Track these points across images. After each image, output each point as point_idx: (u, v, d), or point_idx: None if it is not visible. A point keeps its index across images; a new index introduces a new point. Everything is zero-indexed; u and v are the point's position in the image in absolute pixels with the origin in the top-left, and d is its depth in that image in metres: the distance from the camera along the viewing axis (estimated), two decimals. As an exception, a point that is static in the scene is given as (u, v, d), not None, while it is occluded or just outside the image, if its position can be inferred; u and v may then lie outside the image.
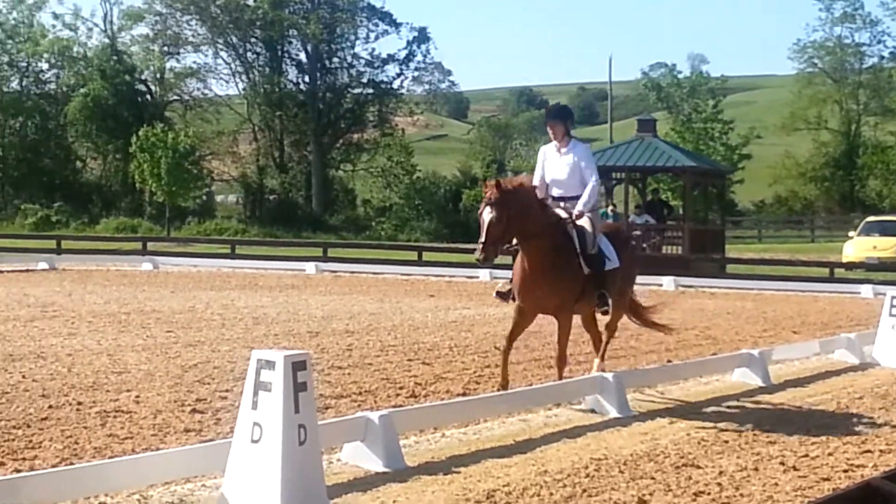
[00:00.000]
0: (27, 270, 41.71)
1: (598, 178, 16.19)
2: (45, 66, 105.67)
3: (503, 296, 15.91)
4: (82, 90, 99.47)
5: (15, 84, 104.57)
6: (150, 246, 57.85)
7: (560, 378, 15.67)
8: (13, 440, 11.80)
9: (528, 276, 15.13)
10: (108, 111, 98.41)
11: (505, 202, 14.37)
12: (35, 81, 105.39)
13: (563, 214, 15.46)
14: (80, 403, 14.11)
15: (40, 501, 9.01)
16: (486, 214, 14.40)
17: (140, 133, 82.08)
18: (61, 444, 11.77)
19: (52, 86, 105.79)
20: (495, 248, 14.61)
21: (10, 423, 12.69)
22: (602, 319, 16.77)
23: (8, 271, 41.47)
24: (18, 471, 10.36)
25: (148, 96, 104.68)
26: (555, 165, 15.90)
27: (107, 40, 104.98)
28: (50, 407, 13.81)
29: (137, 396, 14.68)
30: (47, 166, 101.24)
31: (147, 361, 17.78)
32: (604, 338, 17.17)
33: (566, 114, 16.57)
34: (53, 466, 10.63)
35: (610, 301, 15.48)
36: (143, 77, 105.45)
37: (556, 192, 15.86)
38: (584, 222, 15.42)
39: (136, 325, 23.26)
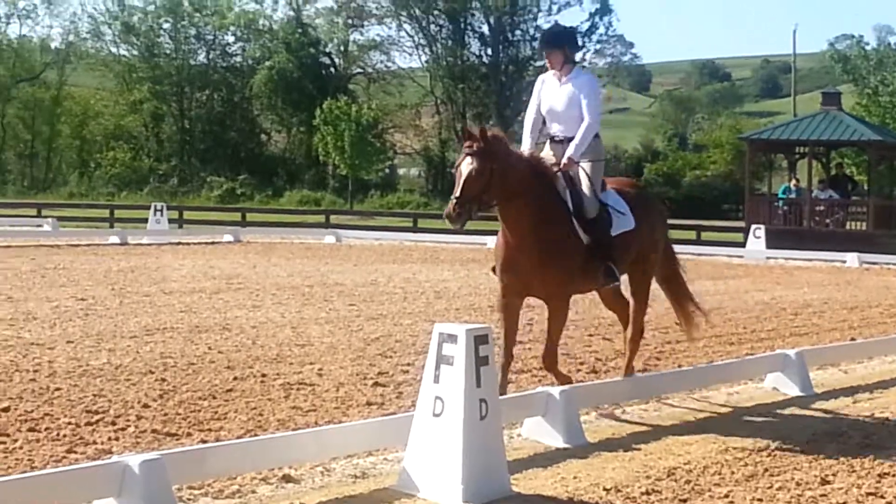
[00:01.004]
0: (213, 243, 42.45)
1: (598, 118, 12.66)
2: (231, 39, 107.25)
3: None
4: (267, 63, 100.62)
5: (202, 57, 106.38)
6: (333, 219, 58.49)
7: (558, 380, 12.57)
8: (199, 411, 12.02)
9: (511, 250, 12.18)
10: (293, 84, 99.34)
11: (490, 153, 11.53)
12: (221, 55, 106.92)
13: (552, 168, 12.48)
14: (264, 375, 14.33)
15: (226, 472, 9.21)
16: (466, 166, 11.52)
17: (324, 106, 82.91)
18: (246, 416, 11.98)
19: (238, 59, 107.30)
20: (470, 206, 11.53)
21: (197, 394, 12.93)
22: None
23: (194, 243, 42.25)
24: (205, 441, 10.56)
25: (332, 69, 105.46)
26: (552, 95, 12.74)
27: (292, 13, 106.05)
28: (235, 379, 14.04)
29: (320, 369, 14.86)
30: (233, 139, 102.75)
31: (330, 334, 17.99)
32: (627, 336, 14.10)
33: (564, 38, 13.13)
34: (238, 437, 10.83)
35: (618, 274, 12.50)
36: (327, 50, 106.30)
37: (554, 128, 12.82)
38: (581, 180, 12.43)
39: (319, 299, 23.55)
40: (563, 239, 12.09)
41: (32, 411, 11.71)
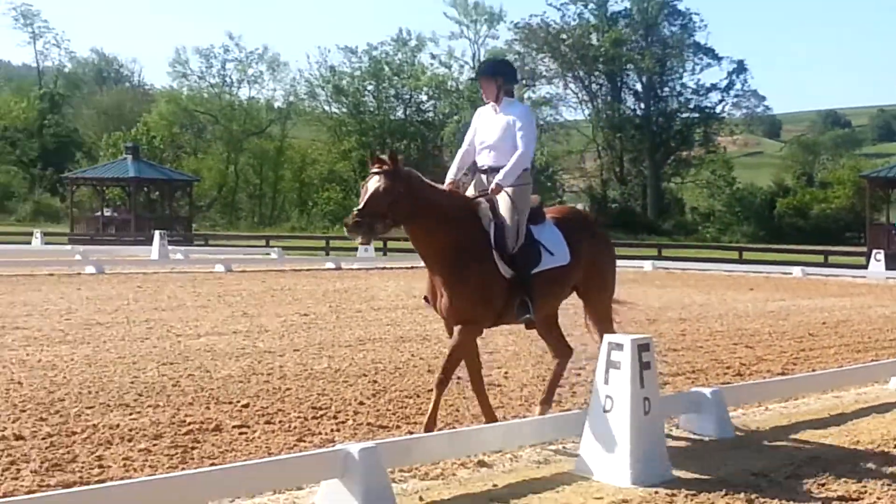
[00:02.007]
0: (412, 267, 42.55)
1: (531, 147, 10.87)
2: (424, 97, 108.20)
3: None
4: (455, 117, 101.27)
5: (400, 113, 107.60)
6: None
7: (432, 407, 10.39)
8: (406, 407, 12.09)
9: (432, 280, 10.66)
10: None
11: (398, 175, 10.11)
12: (416, 111, 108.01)
13: (475, 199, 10.77)
14: (459, 378, 14.28)
15: (430, 458, 9.26)
16: (373, 183, 10.05)
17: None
18: (445, 412, 11.98)
19: (430, 114, 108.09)
20: (372, 221, 9.90)
21: (403, 393, 13.01)
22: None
23: (397, 268, 42.65)
24: (411, 432, 10.62)
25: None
26: (486, 126, 11.04)
27: (475, 75, 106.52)
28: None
29: (506, 372, 14.87)
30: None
31: (513, 343, 17.93)
32: (556, 368, 12.08)
33: (499, 69, 11.37)
34: (440, 430, 10.85)
35: (532, 310, 10.47)
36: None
37: (485, 157, 10.96)
38: (503, 207, 10.58)
39: (502, 313, 23.49)
40: (475, 269, 10.25)
41: (268, 407, 11.88)
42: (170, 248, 47.43)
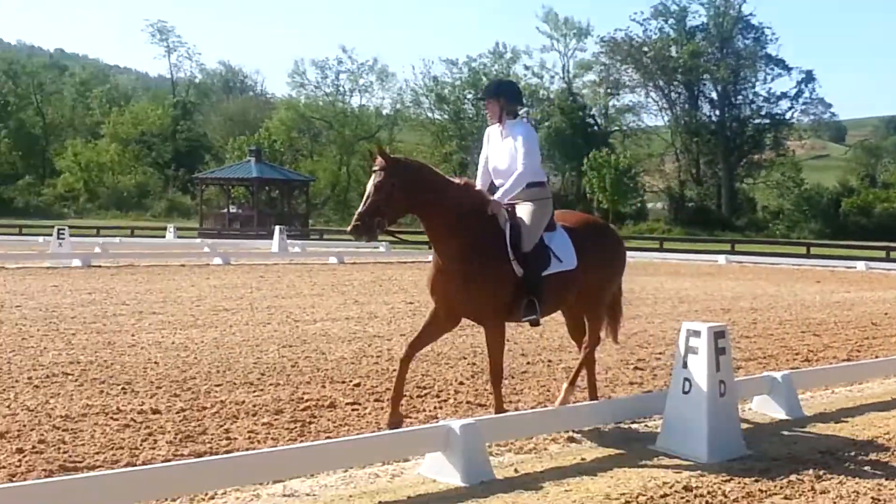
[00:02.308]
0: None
1: (532, 166, 10.11)
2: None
3: None
4: (546, 123, 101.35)
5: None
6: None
7: (496, 402, 9.99)
8: (502, 388, 12.08)
9: (440, 272, 10.06)
10: (566, 139, 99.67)
11: (393, 171, 9.47)
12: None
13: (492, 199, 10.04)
14: (549, 361, 14.34)
15: (525, 434, 9.31)
16: (369, 184, 9.56)
17: (590, 156, 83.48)
18: (537, 392, 12.01)
19: (524, 120, 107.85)
20: (371, 220, 9.40)
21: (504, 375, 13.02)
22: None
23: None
24: (506, 410, 10.62)
25: (595, 127, 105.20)
26: (495, 152, 10.42)
27: (564, 85, 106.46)
28: (528, 363, 14.09)
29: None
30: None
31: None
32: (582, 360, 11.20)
33: (501, 90, 10.54)
34: (533, 408, 10.88)
35: (539, 310, 9.89)
36: (591, 112, 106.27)
37: (498, 181, 10.31)
38: (523, 213, 10.05)
39: (588, 302, 23.41)
40: (491, 268, 9.69)
41: (377, 386, 11.94)
42: (288, 241, 47.69)
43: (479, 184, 10.37)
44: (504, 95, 10.38)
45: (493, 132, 10.50)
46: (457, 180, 10.06)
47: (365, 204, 9.43)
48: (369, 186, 9.50)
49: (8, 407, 10.07)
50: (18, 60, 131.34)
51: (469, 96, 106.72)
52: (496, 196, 9.99)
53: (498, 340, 9.94)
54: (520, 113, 10.64)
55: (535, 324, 10.23)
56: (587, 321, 11.12)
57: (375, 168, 9.53)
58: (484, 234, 9.79)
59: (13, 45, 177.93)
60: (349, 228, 9.62)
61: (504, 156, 10.24)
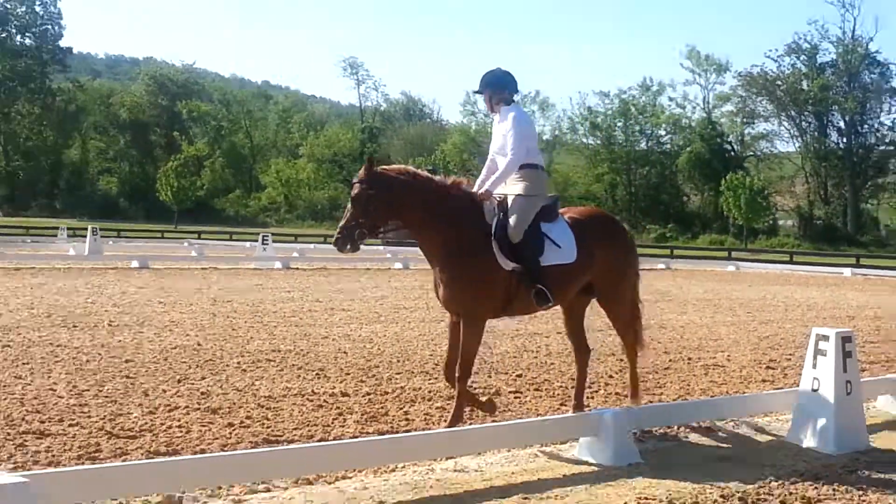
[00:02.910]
0: (650, 269, 42.08)
1: (521, 150, 9.06)
2: (662, 132, 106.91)
3: None
4: (688, 148, 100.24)
5: (642, 144, 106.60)
6: (734, 255, 57.66)
7: (459, 399, 8.77)
8: (645, 381, 11.79)
9: (436, 272, 9.03)
10: (705, 163, 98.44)
11: (370, 182, 8.65)
12: (656, 143, 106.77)
13: (482, 195, 9.05)
14: (689, 359, 14.11)
15: (664, 422, 9.15)
16: (350, 198, 8.86)
17: (727, 177, 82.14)
18: (678, 386, 11.82)
19: (668, 146, 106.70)
20: (352, 232, 8.65)
21: (643, 370, 12.76)
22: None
23: (640, 269, 42.06)
24: (650, 402, 10.47)
25: (731, 152, 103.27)
26: (493, 138, 9.49)
27: (704, 114, 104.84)
28: (670, 360, 13.90)
29: (728, 356, 14.51)
30: (664, 200, 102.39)
31: (734, 332, 17.54)
32: (630, 363, 10.12)
33: (484, 83, 9.44)
34: (673, 401, 10.73)
35: (552, 298, 8.78)
36: (728, 139, 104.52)
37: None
38: (512, 202, 8.96)
39: (725, 308, 22.98)
40: (470, 264, 8.67)
41: (536, 377, 11.91)
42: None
43: (483, 172, 9.43)
44: (489, 87, 9.40)
45: (494, 122, 9.52)
46: (446, 181, 9.12)
47: (344, 217, 8.78)
48: (349, 201, 8.82)
49: (220, 387, 10.32)
50: (231, 91, 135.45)
51: (619, 124, 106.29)
52: (486, 185, 9.10)
53: (474, 336, 8.73)
54: (514, 99, 9.44)
55: (548, 306, 8.90)
56: (620, 335, 9.99)
57: (354, 180, 8.85)
58: (467, 230, 8.80)
59: (227, 78, 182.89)
60: (332, 241, 8.97)
61: (496, 141, 9.34)
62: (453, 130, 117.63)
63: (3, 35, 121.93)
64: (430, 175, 9.06)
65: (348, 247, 8.70)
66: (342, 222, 8.73)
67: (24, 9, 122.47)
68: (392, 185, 8.68)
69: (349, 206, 8.74)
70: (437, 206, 8.78)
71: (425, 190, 8.83)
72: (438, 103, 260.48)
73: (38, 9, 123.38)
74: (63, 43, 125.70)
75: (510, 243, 8.73)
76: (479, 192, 9.07)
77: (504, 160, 9.06)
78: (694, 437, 9.02)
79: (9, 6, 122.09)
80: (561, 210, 9.41)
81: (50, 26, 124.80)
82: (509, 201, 8.99)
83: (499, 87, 9.36)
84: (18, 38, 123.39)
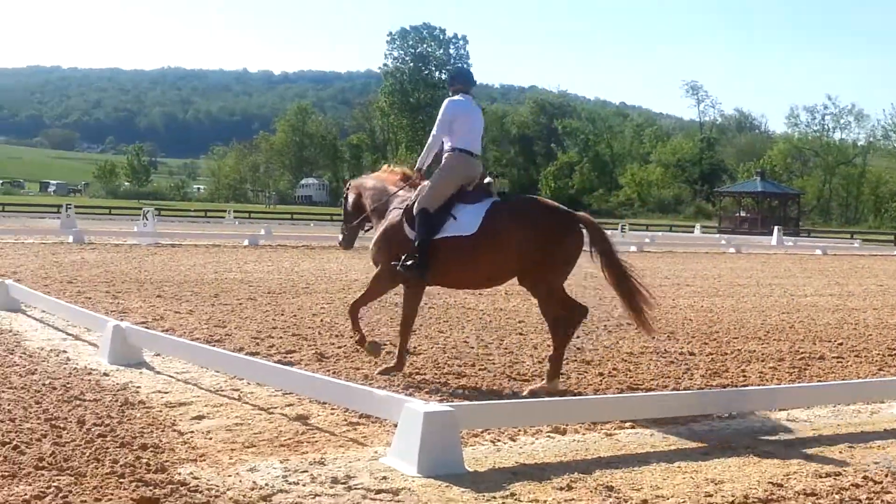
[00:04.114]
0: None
1: (438, 135, 8.14)
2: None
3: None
4: None
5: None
6: None
7: (353, 328, 8.34)
8: None
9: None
10: None
11: (347, 191, 8.84)
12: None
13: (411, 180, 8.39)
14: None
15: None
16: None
17: None
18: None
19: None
20: (345, 229, 8.84)
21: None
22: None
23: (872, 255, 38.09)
24: None
25: None
26: None
27: None
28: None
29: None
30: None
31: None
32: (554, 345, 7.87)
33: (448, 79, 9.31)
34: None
35: (423, 272, 7.76)
36: None
37: None
38: (428, 183, 8.08)
39: None
40: (383, 225, 8.14)
41: (855, 346, 11.05)
42: (784, 238, 45.88)
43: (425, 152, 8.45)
44: (447, 83, 8.92)
45: None
46: (389, 179, 8.57)
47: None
48: None
49: (592, 344, 10.34)
50: (595, 110, 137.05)
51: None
52: (418, 162, 8.38)
53: (379, 283, 8.17)
54: (460, 91, 8.35)
55: (415, 276, 7.88)
56: (545, 316, 7.97)
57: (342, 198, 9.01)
58: (393, 210, 8.21)
59: (592, 100, 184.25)
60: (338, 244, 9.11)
61: None
62: (778, 139, 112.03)
63: (426, 72, 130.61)
64: (380, 178, 8.66)
65: (344, 245, 8.92)
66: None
67: (440, 52, 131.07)
68: (359, 190, 8.70)
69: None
70: (382, 191, 8.45)
71: (376, 187, 8.53)
72: (766, 117, 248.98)
73: (451, 51, 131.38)
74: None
75: (413, 215, 7.91)
76: (415, 176, 8.39)
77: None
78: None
79: (429, 49, 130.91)
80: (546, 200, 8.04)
81: (460, 64, 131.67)
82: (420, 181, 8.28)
83: (449, 82, 8.68)
84: (437, 73, 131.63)
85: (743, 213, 71.67)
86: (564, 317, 7.76)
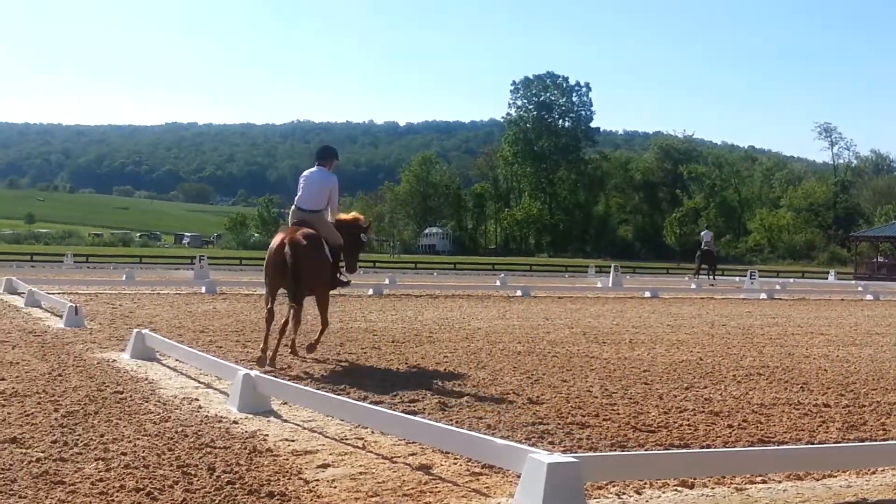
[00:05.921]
0: None
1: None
2: None
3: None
4: None
5: None
6: None
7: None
8: None
9: None
10: None
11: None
12: None
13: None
14: None
15: None
16: None
17: None
18: None
19: None
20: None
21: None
22: None
23: None
24: None
25: None
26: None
27: None
28: None
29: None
30: None
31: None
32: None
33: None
34: None
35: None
36: None
37: None
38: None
39: None
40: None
41: None
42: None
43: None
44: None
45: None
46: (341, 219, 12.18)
47: None
48: None
49: (720, 395, 10.06)
50: (723, 155, 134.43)
51: None
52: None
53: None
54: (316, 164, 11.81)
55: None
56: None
57: None
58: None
59: (719, 145, 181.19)
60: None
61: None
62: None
63: (549, 120, 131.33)
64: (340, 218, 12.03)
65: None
66: None
67: (564, 99, 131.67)
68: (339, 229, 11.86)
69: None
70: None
71: (338, 227, 11.85)
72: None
73: (574, 99, 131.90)
74: (593, 124, 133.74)
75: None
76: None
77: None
78: None
79: (553, 97, 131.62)
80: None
81: (583, 111, 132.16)
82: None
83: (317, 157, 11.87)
84: (560, 121, 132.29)
85: (880, 259, 68.92)
86: None
